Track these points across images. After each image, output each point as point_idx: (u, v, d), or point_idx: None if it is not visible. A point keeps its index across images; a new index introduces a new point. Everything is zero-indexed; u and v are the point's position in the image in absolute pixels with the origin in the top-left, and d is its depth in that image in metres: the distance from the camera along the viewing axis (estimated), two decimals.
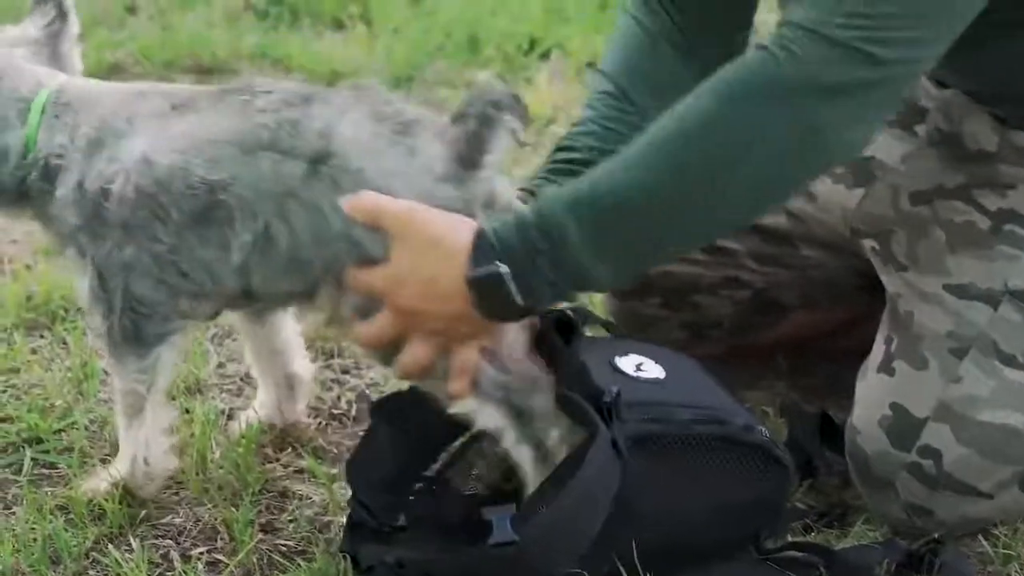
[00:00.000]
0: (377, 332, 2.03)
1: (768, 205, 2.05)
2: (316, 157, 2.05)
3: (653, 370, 2.11)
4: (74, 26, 2.33)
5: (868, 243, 2.36)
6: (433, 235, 1.96)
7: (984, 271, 2.20)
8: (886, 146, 2.39)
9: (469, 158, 2.02)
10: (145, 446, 2.26)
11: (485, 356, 2.03)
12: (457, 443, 2.20)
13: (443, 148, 2.03)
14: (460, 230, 1.95)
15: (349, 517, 2.15)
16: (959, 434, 2.15)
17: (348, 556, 2.11)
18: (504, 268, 1.92)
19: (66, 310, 2.83)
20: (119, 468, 2.29)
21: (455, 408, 2.06)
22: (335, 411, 2.58)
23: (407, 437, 2.18)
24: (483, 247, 1.93)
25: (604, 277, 1.96)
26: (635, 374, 2.10)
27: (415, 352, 2.02)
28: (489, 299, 1.94)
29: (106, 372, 2.63)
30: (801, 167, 1.94)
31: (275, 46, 4.08)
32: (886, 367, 2.22)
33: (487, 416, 2.06)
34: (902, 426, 2.17)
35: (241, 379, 2.66)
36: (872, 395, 2.22)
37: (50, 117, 2.21)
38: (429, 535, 2.12)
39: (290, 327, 2.42)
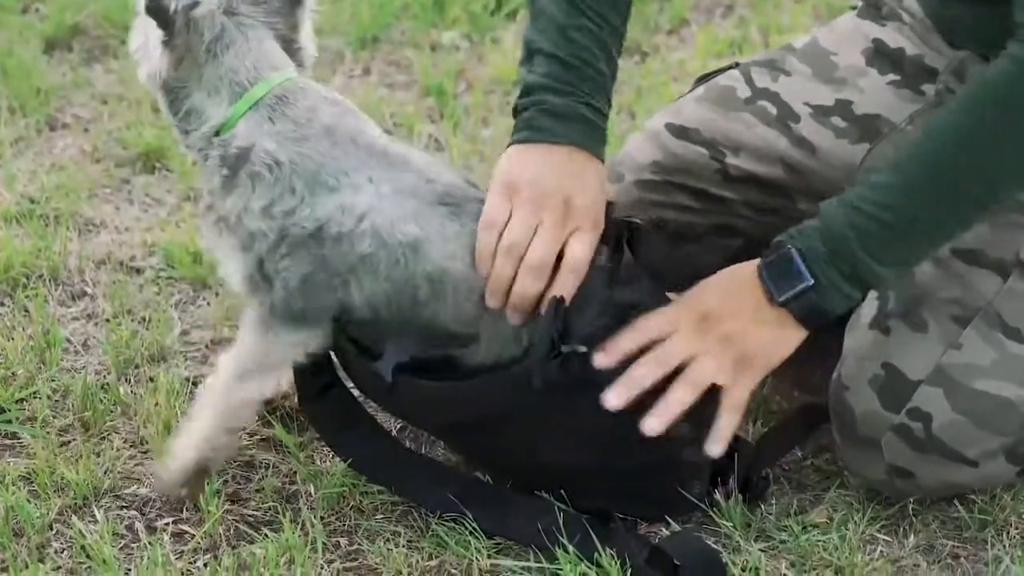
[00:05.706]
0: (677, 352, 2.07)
1: None
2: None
3: None
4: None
5: None
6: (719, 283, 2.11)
7: (995, 239, 2.15)
8: (892, 105, 2.36)
9: None
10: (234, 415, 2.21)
11: None
12: None
13: None
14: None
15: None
16: (953, 400, 2.11)
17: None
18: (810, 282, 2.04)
19: (27, 277, 2.78)
20: (201, 434, 2.20)
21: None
22: None
23: None
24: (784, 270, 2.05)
25: (889, 278, 2.07)
26: None
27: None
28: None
29: (69, 340, 2.59)
30: None
31: None
32: (880, 324, 2.17)
33: None
34: (894, 387, 2.13)
35: (206, 346, 2.62)
36: (863, 352, 2.17)
37: (262, 115, 2.12)
38: None
39: None
